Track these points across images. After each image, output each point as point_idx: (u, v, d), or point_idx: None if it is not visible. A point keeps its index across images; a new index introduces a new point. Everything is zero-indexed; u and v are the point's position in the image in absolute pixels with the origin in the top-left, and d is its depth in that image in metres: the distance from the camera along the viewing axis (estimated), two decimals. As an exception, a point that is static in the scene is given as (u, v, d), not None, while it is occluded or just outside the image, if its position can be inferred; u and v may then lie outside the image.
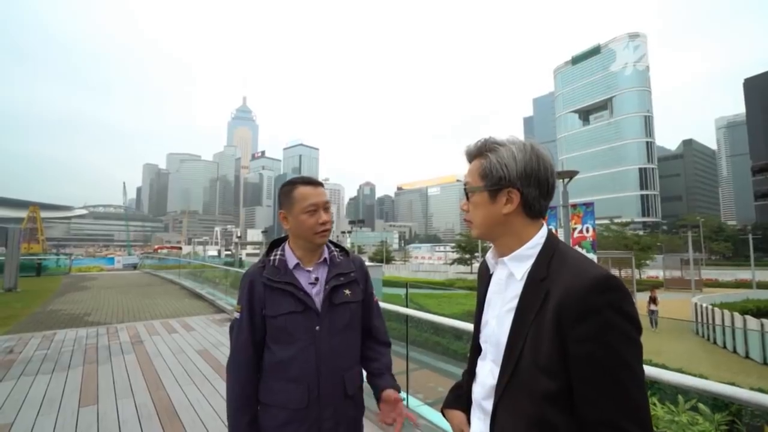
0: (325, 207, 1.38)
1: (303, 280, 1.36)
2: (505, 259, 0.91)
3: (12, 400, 3.84)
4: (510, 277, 0.90)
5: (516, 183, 0.88)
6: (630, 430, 0.71)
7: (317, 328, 1.32)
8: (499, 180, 0.89)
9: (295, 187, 1.37)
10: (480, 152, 0.94)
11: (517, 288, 0.87)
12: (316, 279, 1.38)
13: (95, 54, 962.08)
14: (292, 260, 1.38)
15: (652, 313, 15.88)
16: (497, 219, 0.91)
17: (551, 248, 0.87)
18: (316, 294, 1.36)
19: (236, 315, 1.37)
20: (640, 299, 18.60)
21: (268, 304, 1.33)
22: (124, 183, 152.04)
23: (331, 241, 1.48)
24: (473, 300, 1.08)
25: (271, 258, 1.40)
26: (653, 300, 16.80)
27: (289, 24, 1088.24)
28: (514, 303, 0.86)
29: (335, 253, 1.47)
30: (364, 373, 1.51)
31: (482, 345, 0.98)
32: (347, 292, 1.40)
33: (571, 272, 0.80)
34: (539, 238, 0.89)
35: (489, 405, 0.89)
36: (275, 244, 1.46)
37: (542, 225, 0.92)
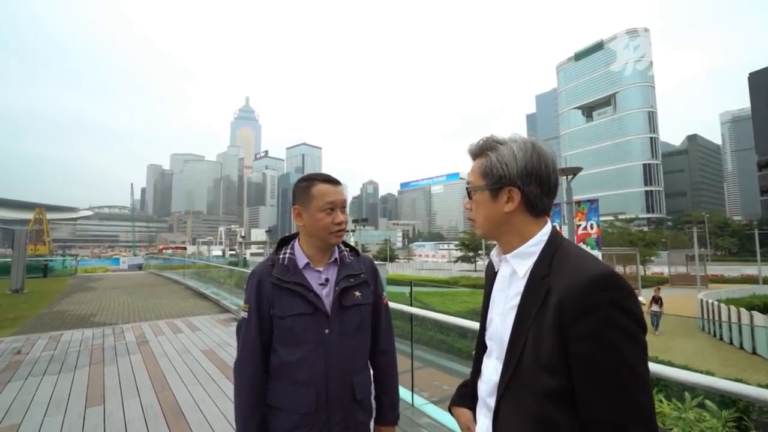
0: (342, 206, 1.34)
1: (313, 280, 1.32)
2: (508, 256, 0.91)
3: (19, 401, 3.87)
4: (513, 274, 0.91)
5: (516, 181, 0.88)
6: (632, 429, 0.71)
7: (327, 331, 1.28)
8: (499, 179, 0.89)
9: (314, 184, 1.33)
10: (481, 151, 0.94)
11: (520, 285, 0.87)
12: (327, 280, 1.34)
13: (98, 56, 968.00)
14: (302, 259, 1.34)
15: (654, 315, 14.86)
16: (499, 218, 0.91)
17: (554, 245, 0.87)
18: (326, 295, 1.31)
19: (243, 315, 1.33)
20: (646, 296, 18.41)
21: (276, 304, 1.28)
22: (131, 184, 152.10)
23: (341, 241, 1.44)
24: (477, 298, 1.09)
25: (281, 256, 1.35)
26: (656, 300, 15.44)
27: (291, 24, 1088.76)
28: (517, 300, 0.86)
29: (345, 253, 1.43)
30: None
31: (487, 343, 0.98)
32: (357, 293, 1.36)
33: (572, 269, 0.79)
34: (542, 235, 0.89)
35: (493, 402, 0.89)
36: (284, 242, 1.41)
37: (546, 222, 0.92)
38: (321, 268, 1.35)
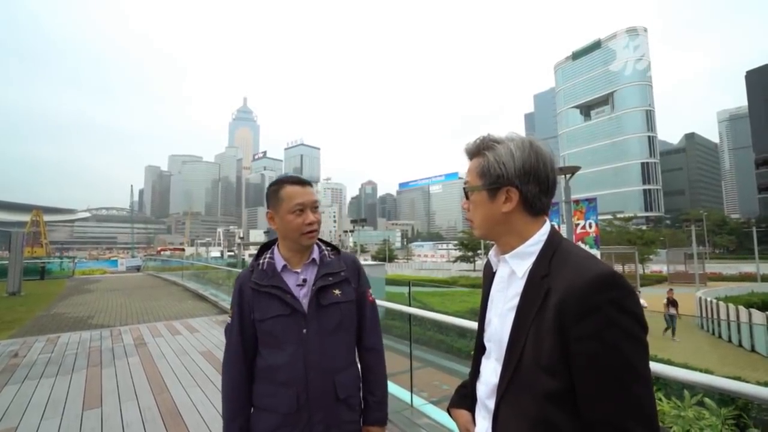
0: (313, 207, 1.35)
1: (291, 282, 1.34)
2: (507, 256, 0.90)
3: (16, 403, 3.84)
4: (512, 275, 0.89)
5: (514, 181, 0.87)
6: (634, 430, 0.70)
7: (304, 330, 1.30)
8: (497, 178, 0.88)
9: (282, 187, 1.35)
10: (478, 151, 0.93)
11: (519, 286, 0.86)
12: (304, 280, 1.36)
13: (96, 58, 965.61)
14: (280, 262, 1.37)
15: (671, 318, 13.66)
16: (497, 218, 0.90)
17: (553, 245, 0.86)
18: (304, 296, 1.33)
19: (229, 319, 1.38)
20: (649, 294, 18.29)
21: (256, 308, 1.32)
22: (131, 186, 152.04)
23: (322, 240, 1.45)
24: (476, 297, 1.08)
25: (260, 261, 1.39)
26: (672, 303, 13.99)
27: (289, 24, 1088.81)
28: (516, 301, 0.85)
29: (326, 252, 1.44)
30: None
31: (486, 344, 0.97)
32: (337, 292, 1.37)
33: (572, 269, 0.78)
34: (541, 235, 0.88)
35: (492, 404, 0.88)
36: (265, 248, 1.44)
37: (545, 222, 0.91)
38: (299, 270, 1.37)
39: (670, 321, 13.78)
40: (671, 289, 15.70)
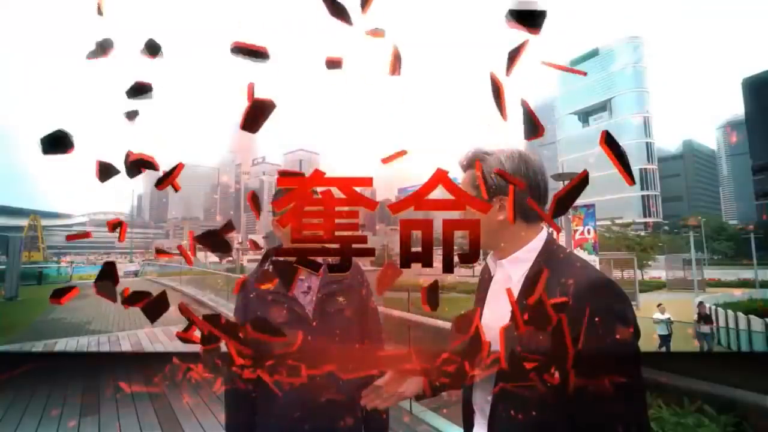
0: None
1: (296, 289, 1.35)
2: (503, 261, 0.92)
3: (14, 410, 3.82)
4: (508, 279, 0.91)
5: (506, 190, 0.89)
6: None
7: (309, 338, 1.29)
8: (489, 189, 0.90)
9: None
10: (470, 163, 0.96)
11: (514, 291, 0.87)
12: (309, 287, 1.37)
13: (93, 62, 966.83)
14: None
15: (704, 336, 11.23)
16: (494, 227, 0.91)
17: (549, 252, 0.88)
18: (309, 303, 1.34)
19: None
20: (649, 301, 18.22)
21: (261, 315, 1.31)
22: (133, 190, 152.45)
23: None
24: (475, 303, 1.08)
25: (265, 268, 1.39)
26: (704, 318, 11.80)
27: (288, 28, 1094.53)
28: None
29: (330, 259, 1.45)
30: None
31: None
32: (341, 299, 1.38)
33: (567, 276, 0.80)
34: (537, 242, 0.90)
35: (488, 408, 0.89)
36: (269, 254, 1.44)
37: (541, 229, 0.93)
38: (303, 276, 1.38)
39: (709, 341, 11.20)
40: (702, 302, 13.23)
